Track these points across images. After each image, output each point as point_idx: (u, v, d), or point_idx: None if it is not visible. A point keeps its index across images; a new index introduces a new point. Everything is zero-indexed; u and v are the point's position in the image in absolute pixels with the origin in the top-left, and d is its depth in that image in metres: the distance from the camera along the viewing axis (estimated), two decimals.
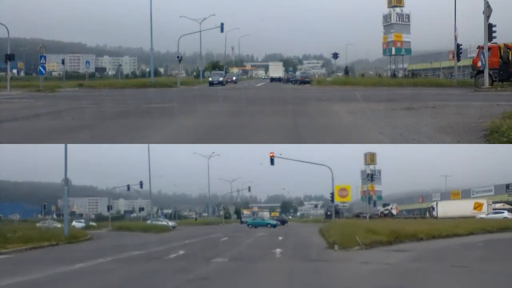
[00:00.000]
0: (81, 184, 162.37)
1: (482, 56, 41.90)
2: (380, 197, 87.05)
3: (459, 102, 26.72)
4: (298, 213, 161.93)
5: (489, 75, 40.81)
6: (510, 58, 41.36)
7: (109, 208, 72.16)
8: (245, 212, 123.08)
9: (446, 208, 57.65)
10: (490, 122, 15.49)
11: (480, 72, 41.35)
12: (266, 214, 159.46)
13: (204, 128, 19.18)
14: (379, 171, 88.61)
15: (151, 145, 56.52)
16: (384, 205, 70.08)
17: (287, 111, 24.99)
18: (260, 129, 18.74)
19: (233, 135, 17.95)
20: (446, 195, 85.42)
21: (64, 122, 21.74)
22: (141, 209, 74.63)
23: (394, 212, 65.13)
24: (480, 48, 42.33)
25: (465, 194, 79.31)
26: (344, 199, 48.19)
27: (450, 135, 15.57)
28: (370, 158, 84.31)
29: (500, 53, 41.60)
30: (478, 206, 54.10)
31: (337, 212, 59.27)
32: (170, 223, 59.62)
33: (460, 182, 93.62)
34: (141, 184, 57.50)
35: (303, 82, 72.91)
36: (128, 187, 59.60)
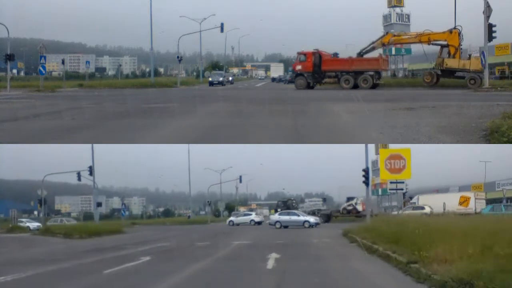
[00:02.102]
0: (77, 182, 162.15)
1: (482, 57, 42.09)
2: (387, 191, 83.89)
3: (459, 102, 26.71)
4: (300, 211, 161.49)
5: (304, 77, 46.40)
6: (320, 63, 46.00)
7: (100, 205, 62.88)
8: (242, 209, 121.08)
9: (428, 204, 51.60)
10: (490, 122, 15.48)
11: (299, 75, 47.12)
12: (265, 212, 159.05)
13: (203, 128, 19.17)
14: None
15: (151, 145, 56.59)
16: (348, 199, 59.68)
17: (286, 111, 24.98)
18: (260, 129, 18.73)
19: (233, 135, 17.95)
20: (466, 188, 76.27)
21: (64, 122, 21.74)
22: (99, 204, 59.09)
23: (359, 208, 54.96)
24: (299, 54, 48.27)
25: (489, 187, 70.29)
26: (400, 176, 26.66)
27: (450, 135, 15.57)
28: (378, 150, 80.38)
29: (313, 58, 46.15)
30: (464, 201, 48.57)
31: (329, 217, 52.93)
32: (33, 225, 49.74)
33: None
34: (90, 170, 47.00)
35: (291, 82, 71.22)
36: (79, 175, 48.01)
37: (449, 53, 45.42)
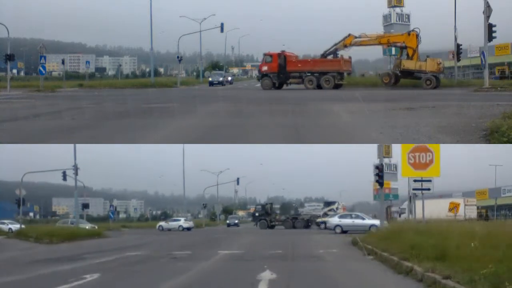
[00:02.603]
0: (73, 183, 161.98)
1: (482, 57, 42.11)
2: (396, 196, 78.02)
3: (459, 102, 26.70)
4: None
5: (270, 78, 47.45)
6: (285, 64, 47.06)
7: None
8: (241, 213, 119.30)
9: (418, 210, 51.78)
10: (490, 122, 15.48)
11: (265, 76, 48.00)
12: None
13: (203, 128, 19.18)
14: (395, 166, 78.23)
15: (151, 145, 56.54)
16: (328, 204, 56.56)
17: (286, 111, 24.97)
18: (260, 129, 18.73)
19: (233, 135, 17.95)
20: (470, 194, 72.80)
21: (64, 122, 21.74)
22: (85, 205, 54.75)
23: (340, 212, 51.77)
24: (265, 55, 49.48)
25: (494, 193, 68.15)
26: (426, 174, 22.28)
27: (450, 135, 15.57)
28: (386, 151, 74.52)
29: (278, 59, 47.28)
30: (453, 208, 46.98)
31: (308, 223, 51.42)
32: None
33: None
34: (75, 169, 43.17)
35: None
36: (64, 175, 44.67)
37: (407, 54, 46.42)
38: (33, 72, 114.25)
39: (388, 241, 16.22)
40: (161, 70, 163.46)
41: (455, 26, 52.76)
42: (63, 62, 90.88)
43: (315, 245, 23.05)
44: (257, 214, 55.66)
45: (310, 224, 52.04)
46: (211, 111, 26.58)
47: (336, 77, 46.30)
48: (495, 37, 40.84)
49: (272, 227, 53.26)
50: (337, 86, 46.42)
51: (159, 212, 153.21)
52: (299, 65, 47.49)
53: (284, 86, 48.81)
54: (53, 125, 21.00)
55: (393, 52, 79.88)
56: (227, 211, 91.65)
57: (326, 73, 46.17)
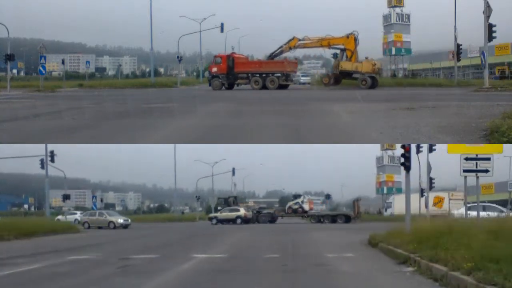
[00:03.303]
0: (73, 176, 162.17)
1: (482, 57, 42.17)
2: (399, 189, 73.29)
3: (459, 102, 26.71)
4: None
5: (219, 79, 49.02)
6: (233, 65, 48.89)
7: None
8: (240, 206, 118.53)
9: (403, 204, 50.20)
10: (490, 122, 15.49)
11: (214, 77, 49.53)
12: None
13: (203, 128, 19.18)
14: (399, 158, 75.82)
15: (151, 145, 56.63)
16: (295, 197, 54.14)
17: (286, 111, 24.99)
18: (260, 129, 18.74)
19: (233, 135, 17.96)
20: (474, 188, 73.64)
21: (64, 122, 21.74)
22: (66, 196, 52.61)
23: (306, 207, 51.12)
24: (215, 57, 51.18)
25: (500, 187, 65.50)
26: (484, 150, 17.35)
27: (450, 135, 15.58)
28: (388, 144, 69.42)
29: (227, 61, 49.11)
30: (438, 202, 45.64)
31: (273, 217, 50.07)
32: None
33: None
34: (52, 155, 41.81)
35: None
36: (42, 163, 41.80)
37: (346, 56, 48.31)
38: (33, 72, 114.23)
39: (432, 244, 12.34)
40: (161, 70, 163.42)
41: (455, 26, 52.88)
42: (63, 62, 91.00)
43: (321, 246, 19.77)
44: (219, 208, 52.13)
45: (275, 219, 50.50)
46: (211, 111, 26.59)
47: (281, 77, 48.09)
48: (495, 37, 40.87)
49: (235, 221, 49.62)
50: (283, 87, 48.21)
51: (156, 205, 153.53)
52: (246, 66, 49.69)
53: (249, 87, 49.71)
54: (53, 125, 21.01)
55: (393, 52, 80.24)
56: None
57: (270, 74, 47.97)
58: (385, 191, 74.20)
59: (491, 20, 39.93)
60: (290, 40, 49.55)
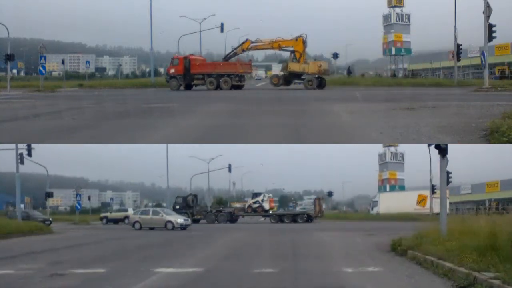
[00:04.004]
0: (71, 175, 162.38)
1: (482, 57, 42.16)
2: (402, 187, 73.31)
3: (459, 102, 26.70)
4: (298, 208, 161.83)
5: (177, 79, 50.53)
6: (189, 67, 50.60)
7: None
8: (236, 205, 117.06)
9: (389, 203, 49.62)
10: (490, 122, 15.49)
11: (172, 77, 51.06)
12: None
13: (203, 128, 19.18)
14: (402, 155, 72.86)
15: (150, 145, 56.64)
16: (254, 195, 51.71)
17: (286, 110, 24.98)
18: (260, 129, 18.73)
19: (232, 135, 17.95)
20: (479, 188, 67.80)
21: (64, 122, 21.74)
22: (49, 194, 49.12)
23: (266, 205, 49.19)
24: (173, 59, 53.32)
25: (506, 185, 62.87)
26: None
27: (450, 135, 15.57)
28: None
29: (184, 62, 50.87)
30: (422, 200, 45.73)
31: (232, 216, 48.43)
32: None
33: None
34: (29, 150, 39.20)
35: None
36: (21, 158, 38.32)
37: (295, 57, 50.08)
38: (33, 72, 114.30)
39: (505, 254, 9.24)
40: (161, 70, 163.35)
41: (455, 26, 52.80)
42: (63, 62, 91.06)
43: (329, 253, 16.84)
44: (177, 207, 49.41)
45: (234, 218, 49.25)
46: (211, 111, 26.59)
47: (234, 78, 49.69)
48: (495, 37, 40.86)
49: (196, 221, 48.13)
50: (237, 87, 49.94)
51: (154, 203, 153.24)
52: (202, 68, 51.26)
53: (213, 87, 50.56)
54: (53, 125, 21.00)
55: (393, 52, 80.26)
56: (221, 203, 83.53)
57: (224, 75, 49.66)
58: (387, 189, 73.07)
59: (491, 20, 39.92)
60: (243, 43, 52.30)
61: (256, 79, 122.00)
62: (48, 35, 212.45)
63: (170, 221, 35.32)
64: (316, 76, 49.05)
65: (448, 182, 34.22)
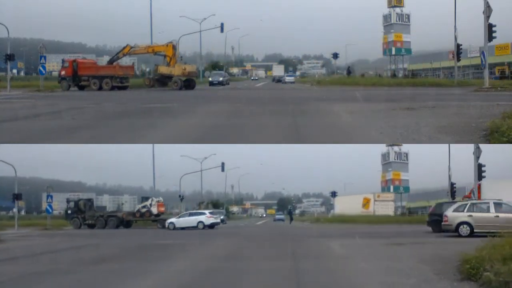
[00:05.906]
0: (68, 179, 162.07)
1: (482, 57, 42.14)
2: (407, 188, 69.40)
3: (459, 102, 26.71)
4: (297, 211, 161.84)
5: (66, 80, 53.88)
6: (77, 69, 54.26)
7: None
8: (235, 209, 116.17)
9: (343, 205, 49.93)
10: (490, 122, 15.48)
11: (63, 79, 54.27)
12: (261, 211, 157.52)
13: (203, 128, 19.17)
14: (406, 154, 70.19)
15: (151, 145, 56.79)
16: (143, 199, 50.08)
17: (286, 110, 24.98)
18: (260, 128, 18.73)
19: (233, 135, 17.94)
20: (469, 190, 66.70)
21: (64, 122, 21.74)
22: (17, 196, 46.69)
23: (154, 210, 46.63)
24: (64, 61, 58.00)
25: None
26: None
27: (450, 135, 15.58)
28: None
29: (73, 65, 54.83)
30: (366, 203, 46.67)
31: (122, 222, 46.07)
32: None
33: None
34: None
35: (279, 80, 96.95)
36: None
37: (166, 61, 55.18)
38: (33, 72, 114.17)
39: None
40: None
41: (455, 26, 52.79)
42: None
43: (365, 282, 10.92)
44: (69, 212, 47.92)
45: (126, 223, 46.47)
46: (211, 111, 26.58)
47: (114, 80, 53.84)
48: (495, 37, 40.84)
49: (91, 226, 45.81)
50: (121, 88, 53.84)
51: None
52: (87, 70, 55.28)
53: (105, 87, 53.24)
54: (53, 125, 21.00)
55: (393, 52, 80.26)
56: (218, 206, 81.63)
57: (105, 77, 53.77)
58: (391, 190, 70.56)
59: (491, 20, 39.89)
60: (124, 48, 57.04)
61: (252, 79, 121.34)
62: (48, 35, 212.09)
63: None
64: (184, 78, 53.48)
65: (480, 177, 32.56)
